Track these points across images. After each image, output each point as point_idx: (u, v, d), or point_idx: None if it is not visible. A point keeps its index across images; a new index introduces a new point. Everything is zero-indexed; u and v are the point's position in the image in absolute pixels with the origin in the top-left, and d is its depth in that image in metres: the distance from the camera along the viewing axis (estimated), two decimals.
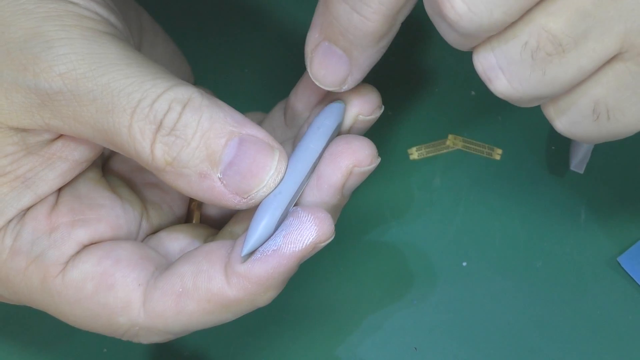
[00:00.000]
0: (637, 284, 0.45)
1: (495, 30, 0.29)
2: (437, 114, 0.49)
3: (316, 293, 0.46)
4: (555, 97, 0.31)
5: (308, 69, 0.35)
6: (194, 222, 0.40)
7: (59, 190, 0.35)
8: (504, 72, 0.30)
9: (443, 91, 0.50)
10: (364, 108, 0.37)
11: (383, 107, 0.37)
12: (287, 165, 0.33)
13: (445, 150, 0.48)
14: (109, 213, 0.35)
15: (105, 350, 0.45)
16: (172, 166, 0.32)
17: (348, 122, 0.37)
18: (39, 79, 0.32)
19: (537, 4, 0.29)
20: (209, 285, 0.33)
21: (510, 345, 0.45)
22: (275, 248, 0.32)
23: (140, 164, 0.33)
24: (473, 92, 0.50)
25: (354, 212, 0.47)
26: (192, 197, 0.33)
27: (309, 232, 0.32)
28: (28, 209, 0.34)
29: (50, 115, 0.32)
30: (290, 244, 0.32)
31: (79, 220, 0.34)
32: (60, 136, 0.34)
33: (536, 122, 0.49)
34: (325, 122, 0.35)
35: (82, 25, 0.32)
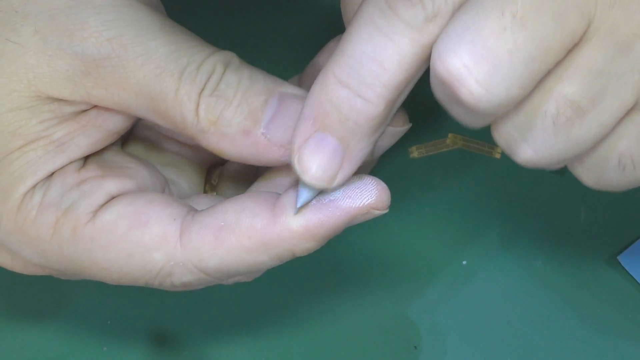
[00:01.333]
0: (638, 282, 0.45)
1: (514, 105, 0.29)
2: (437, 112, 0.49)
3: (316, 292, 0.46)
4: (581, 155, 0.32)
5: (295, 165, 0.32)
6: None
7: (86, 157, 0.35)
8: (528, 142, 0.31)
9: None
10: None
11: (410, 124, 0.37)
12: None
13: (445, 149, 0.48)
14: (136, 173, 0.36)
15: (105, 348, 0.45)
16: (215, 126, 0.33)
17: None
18: (87, 44, 0.32)
19: (549, 73, 0.29)
20: (253, 221, 0.33)
21: (510, 344, 0.45)
22: (332, 199, 0.33)
23: (182, 130, 0.33)
24: None
25: None
26: (236, 158, 0.33)
27: (369, 194, 0.33)
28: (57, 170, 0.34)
29: (94, 84, 0.32)
30: (349, 199, 0.32)
31: (108, 174, 0.34)
32: (95, 106, 0.34)
33: None
34: None
35: None
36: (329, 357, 0.45)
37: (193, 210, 0.34)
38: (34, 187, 0.33)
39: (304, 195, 0.32)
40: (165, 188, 0.37)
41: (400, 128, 0.35)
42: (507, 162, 0.48)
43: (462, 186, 0.48)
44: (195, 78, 0.32)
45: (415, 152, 0.48)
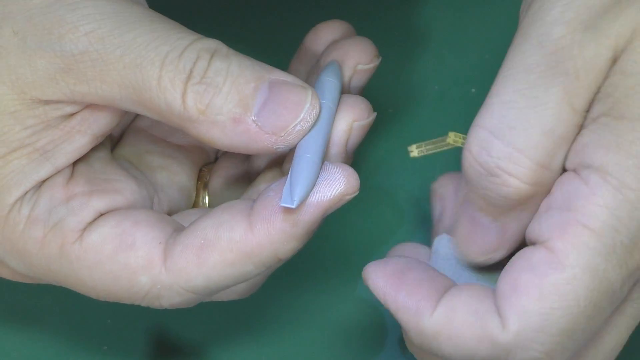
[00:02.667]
0: None
1: None
2: (438, 111, 0.49)
3: (316, 292, 0.46)
4: None
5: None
6: (200, 206, 0.40)
7: (74, 165, 0.35)
8: None
9: (444, 88, 0.50)
10: (361, 58, 0.37)
11: (380, 57, 0.38)
12: (320, 102, 0.33)
13: (446, 148, 0.48)
14: (125, 187, 0.35)
15: (105, 348, 0.45)
16: (205, 115, 0.32)
17: (348, 72, 0.37)
18: (64, 41, 0.32)
19: None
20: (232, 234, 0.33)
21: None
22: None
23: (169, 119, 0.33)
24: (473, 90, 0.49)
25: (354, 210, 0.47)
26: (227, 147, 0.33)
27: (337, 184, 0.32)
28: (44, 180, 0.34)
29: (75, 81, 0.32)
30: (319, 194, 0.32)
31: (96, 190, 0.34)
32: (79, 111, 0.34)
33: None
34: (327, 79, 0.36)
35: None
36: (329, 357, 0.45)
37: (179, 228, 0.34)
38: (22, 198, 0.33)
39: (300, 190, 0.32)
40: (153, 199, 0.37)
41: (366, 120, 0.35)
42: None
43: None
44: (177, 65, 0.32)
45: (415, 151, 0.48)
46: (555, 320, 0.30)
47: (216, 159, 0.41)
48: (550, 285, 0.30)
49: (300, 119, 0.33)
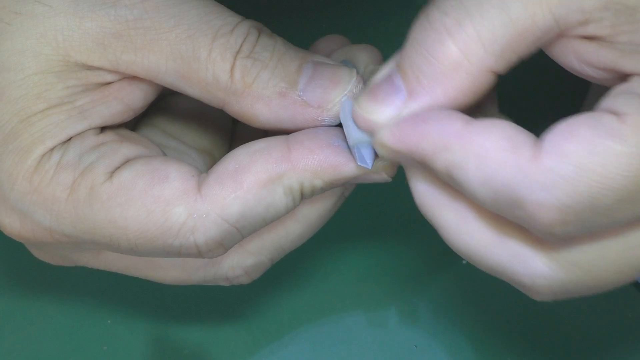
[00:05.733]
0: (638, 281, 0.45)
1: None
2: None
3: (316, 292, 0.46)
4: None
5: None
6: None
7: (102, 129, 0.35)
8: None
9: None
10: (371, 59, 0.37)
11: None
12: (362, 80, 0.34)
13: None
14: (150, 145, 0.36)
15: (105, 348, 0.45)
16: (251, 88, 0.33)
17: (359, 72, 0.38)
18: (119, 6, 0.32)
19: None
20: (268, 157, 0.33)
21: (510, 343, 0.45)
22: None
23: (213, 93, 0.33)
24: None
25: (354, 210, 0.47)
26: (269, 122, 0.34)
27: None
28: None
29: (123, 48, 0.33)
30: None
31: (126, 139, 0.35)
32: (117, 80, 0.34)
33: (537, 120, 0.49)
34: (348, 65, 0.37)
35: None
36: (329, 357, 0.45)
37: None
38: (52, 149, 0.33)
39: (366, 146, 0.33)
40: None
41: (377, 176, 0.35)
42: None
43: None
44: (229, 39, 0.33)
45: None
46: (584, 183, 0.27)
47: None
48: (602, 148, 0.27)
49: (347, 92, 0.34)
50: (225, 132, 0.40)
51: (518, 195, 0.28)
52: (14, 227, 0.35)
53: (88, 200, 0.33)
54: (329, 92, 0.34)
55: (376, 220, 0.48)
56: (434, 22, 0.30)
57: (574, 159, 0.27)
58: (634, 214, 0.28)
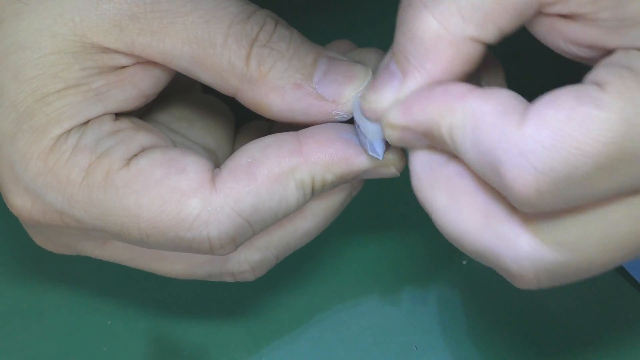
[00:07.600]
0: (638, 282, 0.45)
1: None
2: None
3: (316, 292, 0.46)
4: None
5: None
6: None
7: (117, 115, 0.35)
8: None
9: None
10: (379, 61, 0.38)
11: None
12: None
13: None
14: (164, 135, 0.36)
15: (105, 349, 0.45)
16: (266, 77, 0.33)
17: None
18: None
19: None
20: (280, 150, 0.33)
21: (510, 343, 0.45)
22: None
23: (227, 80, 0.33)
24: None
25: (354, 210, 0.47)
26: (282, 113, 0.34)
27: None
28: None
29: (140, 31, 0.33)
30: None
31: (143, 128, 0.35)
32: (132, 64, 0.34)
33: None
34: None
35: None
36: (329, 357, 0.45)
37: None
38: (70, 130, 0.33)
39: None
40: None
41: (387, 170, 0.35)
42: None
43: None
44: (245, 27, 0.33)
45: None
46: (562, 149, 0.27)
47: None
48: (581, 114, 0.27)
49: (361, 88, 0.34)
50: (228, 132, 0.40)
51: (499, 159, 0.28)
52: (25, 207, 0.34)
53: (103, 186, 0.33)
54: (344, 87, 0.34)
55: (376, 221, 0.48)
56: (412, 0, 0.30)
57: (552, 125, 0.27)
58: (615, 184, 0.28)
